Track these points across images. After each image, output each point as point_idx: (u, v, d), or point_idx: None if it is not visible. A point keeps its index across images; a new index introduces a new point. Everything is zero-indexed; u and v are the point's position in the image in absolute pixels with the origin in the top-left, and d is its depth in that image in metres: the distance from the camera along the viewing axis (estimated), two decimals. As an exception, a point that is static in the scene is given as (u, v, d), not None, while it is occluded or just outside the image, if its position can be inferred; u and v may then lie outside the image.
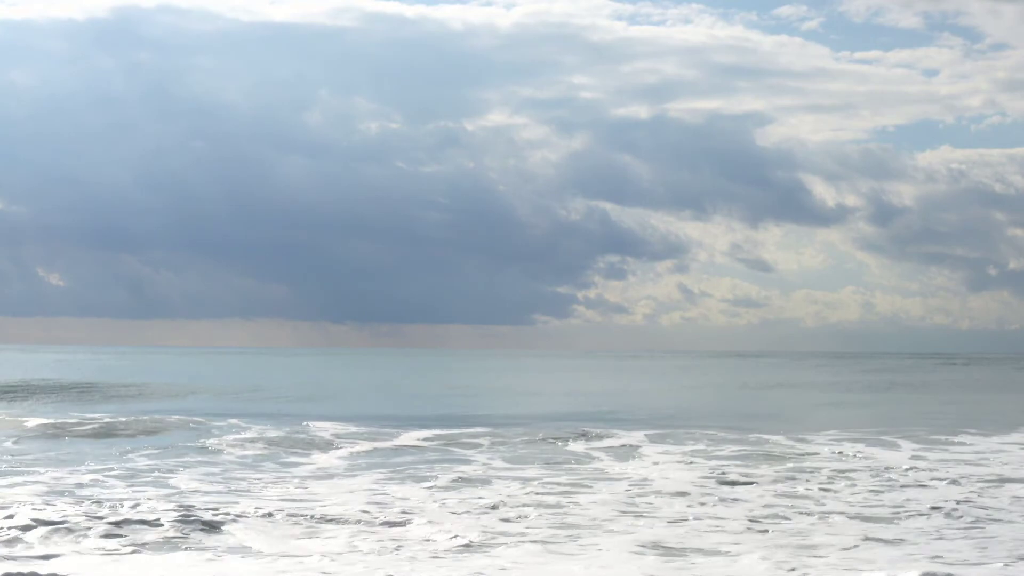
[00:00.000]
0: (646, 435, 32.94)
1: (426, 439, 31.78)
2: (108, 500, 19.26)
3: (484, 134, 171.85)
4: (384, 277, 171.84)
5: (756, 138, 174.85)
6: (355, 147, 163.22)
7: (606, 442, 31.24)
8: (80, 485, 21.47)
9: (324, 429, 34.71)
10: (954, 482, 22.65)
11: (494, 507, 19.00)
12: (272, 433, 33.11)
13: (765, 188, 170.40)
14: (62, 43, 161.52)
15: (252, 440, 31.23)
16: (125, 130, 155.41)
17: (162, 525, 16.76)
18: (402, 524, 17.29)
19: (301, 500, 19.80)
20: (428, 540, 15.99)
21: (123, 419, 38.47)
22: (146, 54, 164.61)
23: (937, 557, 15.03)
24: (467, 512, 18.52)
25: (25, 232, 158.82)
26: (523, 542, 15.95)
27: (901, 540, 16.24)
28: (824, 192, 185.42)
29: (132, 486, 21.45)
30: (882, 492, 21.24)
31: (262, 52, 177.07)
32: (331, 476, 23.53)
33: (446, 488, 21.61)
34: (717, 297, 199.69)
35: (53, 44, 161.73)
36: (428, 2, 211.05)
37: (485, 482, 22.61)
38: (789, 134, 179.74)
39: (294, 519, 17.57)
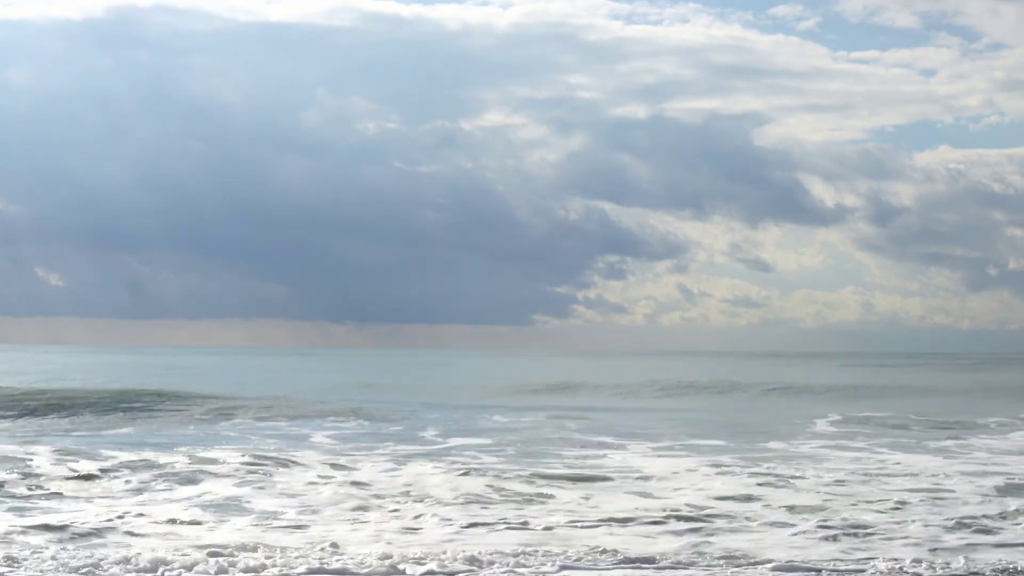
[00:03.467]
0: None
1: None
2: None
3: (482, 134, 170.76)
4: (383, 277, 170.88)
5: (754, 138, 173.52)
6: (353, 147, 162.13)
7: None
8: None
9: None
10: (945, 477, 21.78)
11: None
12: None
13: (764, 188, 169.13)
14: (59, 43, 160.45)
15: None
16: (123, 130, 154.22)
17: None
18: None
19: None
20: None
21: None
22: (143, 54, 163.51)
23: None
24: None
25: (24, 232, 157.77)
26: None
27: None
28: (823, 192, 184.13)
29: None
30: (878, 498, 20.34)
31: (259, 52, 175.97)
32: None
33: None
34: (717, 297, 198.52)
35: (50, 44, 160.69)
36: (425, 1, 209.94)
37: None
38: (787, 134, 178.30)
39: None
